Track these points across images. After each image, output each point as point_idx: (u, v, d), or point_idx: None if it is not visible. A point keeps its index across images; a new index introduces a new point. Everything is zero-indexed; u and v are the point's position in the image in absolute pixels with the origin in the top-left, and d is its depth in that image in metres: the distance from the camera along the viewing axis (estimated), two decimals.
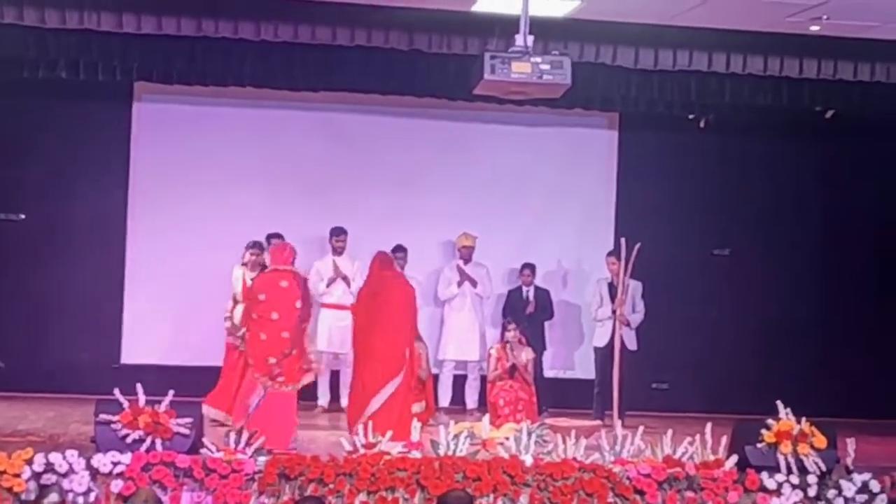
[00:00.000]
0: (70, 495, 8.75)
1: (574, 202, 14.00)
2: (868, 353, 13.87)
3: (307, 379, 10.54)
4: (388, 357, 10.61)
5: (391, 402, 10.54)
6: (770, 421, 9.59)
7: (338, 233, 12.92)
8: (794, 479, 9.37)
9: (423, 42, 10.61)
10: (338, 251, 12.92)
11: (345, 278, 12.79)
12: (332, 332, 12.78)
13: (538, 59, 9.28)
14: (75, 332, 13.19)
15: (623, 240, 12.19)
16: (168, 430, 9.05)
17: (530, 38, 9.28)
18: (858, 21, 10.36)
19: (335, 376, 13.00)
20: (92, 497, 8.77)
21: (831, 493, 9.39)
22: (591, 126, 14.03)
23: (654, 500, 9.16)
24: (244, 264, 12.00)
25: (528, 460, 9.26)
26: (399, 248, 12.55)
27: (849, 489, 9.40)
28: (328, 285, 12.80)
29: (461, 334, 13.18)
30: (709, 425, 9.64)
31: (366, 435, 9.36)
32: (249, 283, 11.35)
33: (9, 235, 13.29)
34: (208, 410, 10.97)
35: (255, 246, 12.04)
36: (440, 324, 13.22)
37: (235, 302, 11.74)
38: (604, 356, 12.54)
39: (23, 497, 8.70)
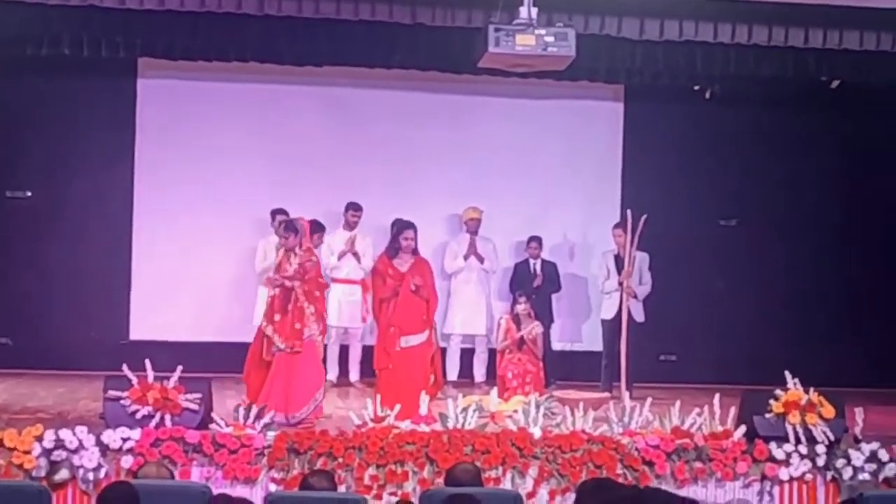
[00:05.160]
0: (80, 471, 8.82)
1: (580, 174, 13.96)
2: (876, 322, 13.86)
3: None
4: None
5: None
6: (778, 391, 9.63)
7: (354, 207, 12.87)
8: (803, 449, 9.41)
9: (427, 16, 10.54)
10: (351, 225, 12.88)
11: (355, 254, 12.78)
12: (341, 307, 12.78)
13: (542, 32, 9.28)
14: (83, 308, 13.21)
15: (629, 211, 12.19)
16: (177, 406, 9.10)
17: (534, 10, 9.26)
18: None
19: (344, 351, 13.01)
20: (102, 473, 8.83)
21: (840, 462, 9.42)
22: (597, 98, 13.98)
23: (663, 471, 9.21)
24: None
25: (537, 433, 9.30)
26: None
27: (857, 458, 9.43)
28: (339, 259, 12.79)
29: (468, 308, 13.17)
30: (717, 396, 9.67)
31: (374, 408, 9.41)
32: None
33: (15, 213, 13.30)
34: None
35: None
36: (447, 297, 13.20)
37: None
38: (611, 328, 12.55)
39: (33, 473, 8.76)
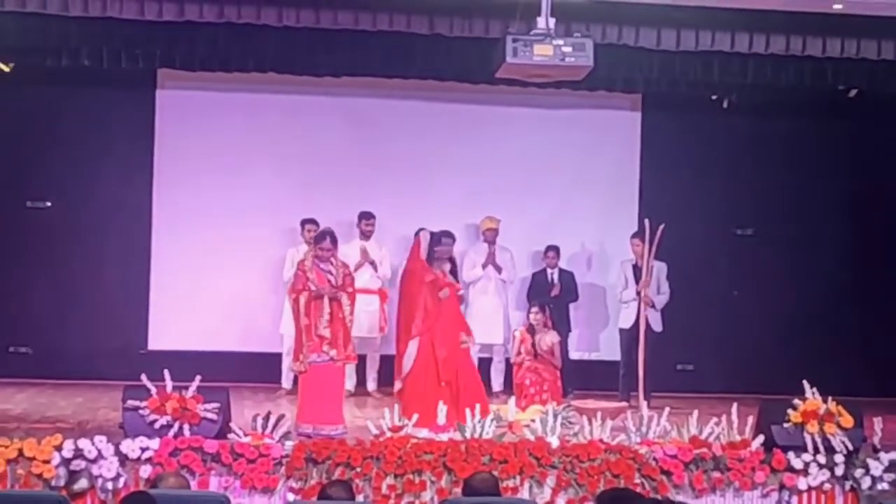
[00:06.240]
0: (99, 481, 8.85)
1: (598, 184, 13.96)
2: (894, 331, 13.81)
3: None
4: None
5: None
6: (796, 401, 9.62)
7: (367, 217, 12.89)
8: (821, 459, 9.40)
9: (445, 26, 10.57)
10: (366, 235, 12.90)
11: (372, 263, 12.79)
12: (359, 317, 12.70)
13: (560, 42, 9.27)
14: (102, 318, 13.23)
15: (647, 221, 12.20)
16: (195, 416, 9.13)
17: (552, 21, 9.25)
18: None
19: (362, 360, 12.99)
20: (121, 482, 8.87)
21: (858, 472, 9.41)
22: (614, 108, 13.99)
23: (681, 481, 9.21)
24: None
25: (555, 442, 9.30)
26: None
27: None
28: (355, 270, 12.75)
29: (485, 317, 13.13)
30: (735, 406, 9.66)
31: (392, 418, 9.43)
32: None
33: (35, 223, 13.34)
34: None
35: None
36: (464, 307, 13.18)
37: None
38: (629, 337, 12.54)
39: (53, 483, 8.80)
